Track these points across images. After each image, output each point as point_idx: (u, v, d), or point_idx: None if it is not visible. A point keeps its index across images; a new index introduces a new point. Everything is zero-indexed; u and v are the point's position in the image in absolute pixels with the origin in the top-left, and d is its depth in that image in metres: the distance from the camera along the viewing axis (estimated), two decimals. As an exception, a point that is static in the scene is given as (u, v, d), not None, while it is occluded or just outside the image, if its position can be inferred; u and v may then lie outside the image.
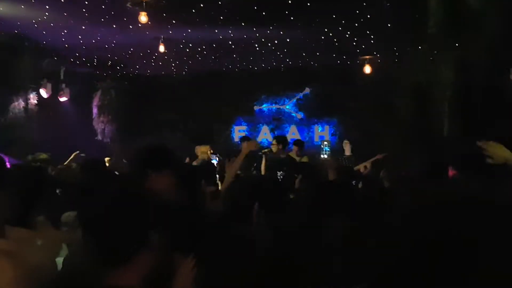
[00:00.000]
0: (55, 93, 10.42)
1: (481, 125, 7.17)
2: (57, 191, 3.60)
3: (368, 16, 7.37)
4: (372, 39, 8.56)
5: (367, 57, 9.81)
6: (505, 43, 6.30)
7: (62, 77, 10.74)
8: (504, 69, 7.06)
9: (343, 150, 8.85)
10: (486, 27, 5.49)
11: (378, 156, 6.69)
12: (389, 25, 7.51)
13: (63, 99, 10.72)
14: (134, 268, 1.33)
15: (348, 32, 8.25)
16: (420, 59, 7.41)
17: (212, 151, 8.02)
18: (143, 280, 1.37)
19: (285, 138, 7.41)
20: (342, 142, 9.14)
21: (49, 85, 10.07)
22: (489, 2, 5.53)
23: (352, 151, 8.58)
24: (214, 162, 7.61)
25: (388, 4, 6.44)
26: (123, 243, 1.32)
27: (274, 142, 7.11)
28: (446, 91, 5.63)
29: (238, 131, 12.05)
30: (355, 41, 8.80)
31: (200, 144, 8.53)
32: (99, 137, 11.70)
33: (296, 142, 7.42)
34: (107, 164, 5.77)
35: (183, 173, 2.86)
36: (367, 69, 9.93)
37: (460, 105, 5.62)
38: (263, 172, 6.86)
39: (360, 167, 6.35)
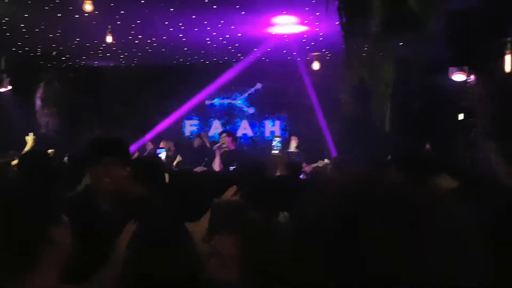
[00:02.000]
0: (-5, 84, 9.96)
1: (420, 122, 7.52)
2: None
3: (317, 14, 7.51)
4: (321, 36, 8.73)
5: (316, 53, 10.01)
6: (444, 43, 6.62)
7: (2, 67, 10.27)
8: (443, 68, 7.41)
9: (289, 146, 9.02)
10: (426, 27, 5.74)
11: (318, 163, 6.95)
12: (337, 23, 7.68)
13: (3, 90, 10.25)
14: (48, 268, 1.28)
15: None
16: (365, 57, 7.66)
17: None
18: (64, 275, 1.32)
19: (232, 132, 7.41)
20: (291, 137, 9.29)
21: (-12, 75, 9.61)
22: (430, 2, 5.77)
23: (297, 147, 8.79)
24: (163, 155, 7.52)
25: (335, 2, 6.60)
26: (24, 243, 1.26)
27: (224, 135, 6.96)
28: (387, 89, 5.85)
29: (190, 125, 11.97)
30: (304, 38, 8.94)
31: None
32: (43, 130, 11.26)
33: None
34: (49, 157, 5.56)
35: (140, 165, 2.79)
36: (316, 65, 10.13)
37: (400, 103, 5.89)
38: (217, 168, 6.66)
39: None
